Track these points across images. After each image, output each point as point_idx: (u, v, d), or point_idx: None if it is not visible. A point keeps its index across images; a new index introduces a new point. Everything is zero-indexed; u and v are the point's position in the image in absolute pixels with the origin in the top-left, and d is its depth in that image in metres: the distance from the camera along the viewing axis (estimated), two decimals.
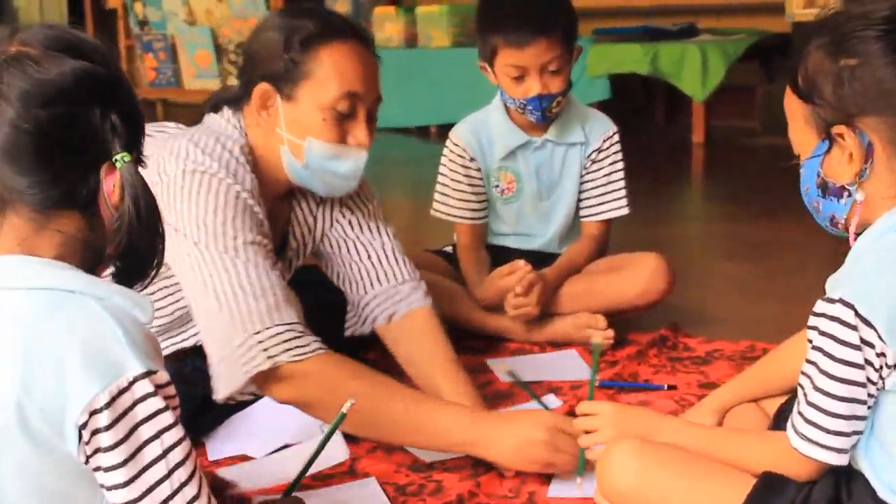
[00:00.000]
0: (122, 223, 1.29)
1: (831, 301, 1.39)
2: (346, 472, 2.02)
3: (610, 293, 2.69)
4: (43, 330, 1.23)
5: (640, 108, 6.84)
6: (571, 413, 2.19)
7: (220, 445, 2.13)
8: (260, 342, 1.89)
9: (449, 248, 2.97)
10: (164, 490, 1.25)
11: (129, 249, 1.31)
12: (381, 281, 2.30)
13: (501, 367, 2.05)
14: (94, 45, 1.31)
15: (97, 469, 1.24)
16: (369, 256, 2.30)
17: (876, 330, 1.35)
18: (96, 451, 1.22)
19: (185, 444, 1.27)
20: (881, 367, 1.37)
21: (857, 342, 1.36)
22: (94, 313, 1.25)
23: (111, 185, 1.29)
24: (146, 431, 1.24)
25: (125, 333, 1.24)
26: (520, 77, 2.65)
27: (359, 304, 2.31)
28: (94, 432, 1.21)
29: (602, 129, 2.83)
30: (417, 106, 6.67)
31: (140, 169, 1.32)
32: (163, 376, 1.26)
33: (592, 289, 2.71)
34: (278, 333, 1.90)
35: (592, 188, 2.83)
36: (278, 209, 2.22)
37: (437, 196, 2.88)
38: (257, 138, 2.11)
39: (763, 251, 3.68)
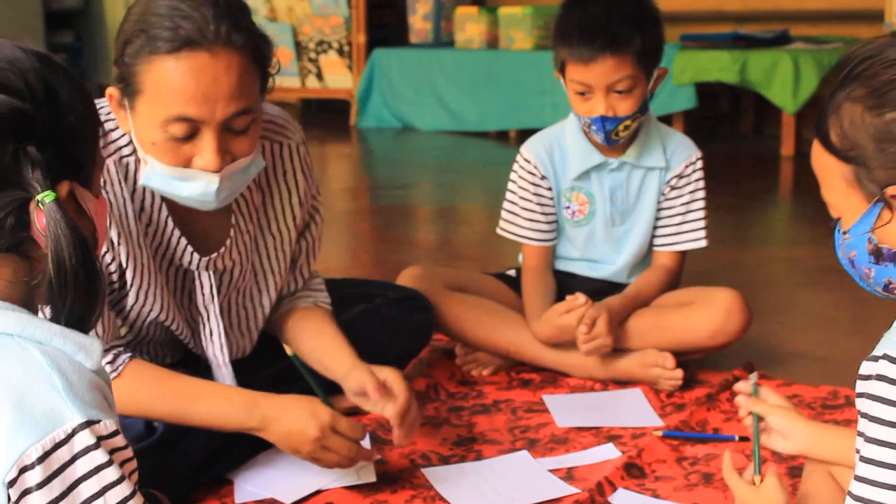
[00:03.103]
0: (42, 277, 1.18)
1: (875, 359, 1.24)
2: None
3: (680, 330, 2.50)
4: None
5: (725, 116, 6.61)
6: (631, 464, 2.04)
7: (247, 486, 2.00)
8: None
9: (512, 272, 2.80)
10: None
11: (53, 299, 1.19)
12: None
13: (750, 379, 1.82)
14: (23, 73, 1.19)
15: None
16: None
17: None
18: None
19: (134, 503, 1.15)
20: None
21: None
22: (30, 359, 1.14)
23: (40, 225, 1.18)
24: (87, 489, 1.12)
25: (63, 380, 1.14)
26: (584, 94, 2.47)
27: None
28: (25, 492, 1.10)
29: (685, 154, 2.64)
30: (496, 109, 6.56)
31: None
32: (107, 426, 1.14)
33: (661, 324, 2.51)
34: None
35: (670, 216, 2.64)
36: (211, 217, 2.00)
37: (504, 214, 2.71)
38: None
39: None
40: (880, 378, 1.22)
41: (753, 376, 1.68)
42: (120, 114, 1.84)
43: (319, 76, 7.38)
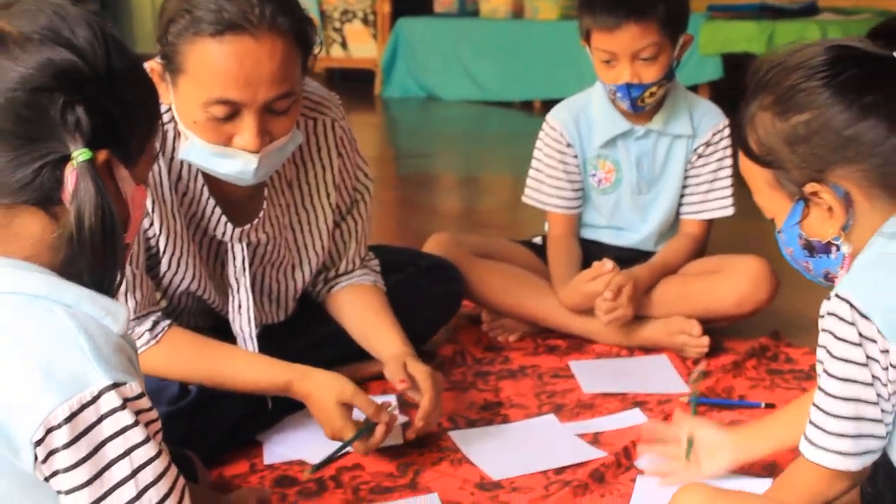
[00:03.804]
0: (62, 232, 1.19)
1: (828, 298, 1.34)
2: (408, 486, 1.89)
3: (706, 298, 2.50)
4: (3, 338, 1.15)
5: None
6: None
7: (276, 448, 2.02)
8: None
9: (538, 240, 2.81)
10: None
11: (69, 263, 1.20)
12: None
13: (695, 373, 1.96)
14: (89, 40, 1.21)
15: (59, 493, 1.14)
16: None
17: (874, 324, 1.29)
18: (55, 473, 1.13)
19: (159, 463, 1.17)
20: (888, 367, 1.29)
21: (856, 339, 1.30)
22: (58, 321, 1.16)
23: (71, 185, 1.18)
24: (113, 450, 1.14)
25: (91, 343, 1.15)
26: (609, 62, 2.47)
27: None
28: (52, 452, 1.12)
29: (712, 122, 2.63)
30: (521, 79, 6.54)
31: None
32: (133, 388, 1.16)
33: (687, 292, 2.52)
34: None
35: (696, 185, 2.63)
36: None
37: (529, 182, 2.72)
38: None
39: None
40: (830, 314, 1.32)
41: (700, 366, 1.81)
42: (162, 86, 1.84)
43: (344, 45, 7.38)
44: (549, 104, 2.78)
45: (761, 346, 2.49)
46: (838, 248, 1.38)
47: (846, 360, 1.31)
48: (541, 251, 2.73)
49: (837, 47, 1.37)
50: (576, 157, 2.66)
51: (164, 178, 1.94)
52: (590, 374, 2.39)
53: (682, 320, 2.49)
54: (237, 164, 1.83)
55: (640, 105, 2.51)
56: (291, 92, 1.82)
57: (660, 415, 2.13)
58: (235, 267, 2.04)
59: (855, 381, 1.31)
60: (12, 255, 1.20)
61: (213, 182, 1.96)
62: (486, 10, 6.86)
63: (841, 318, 1.30)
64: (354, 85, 7.46)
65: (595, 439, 2.06)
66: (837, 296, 1.31)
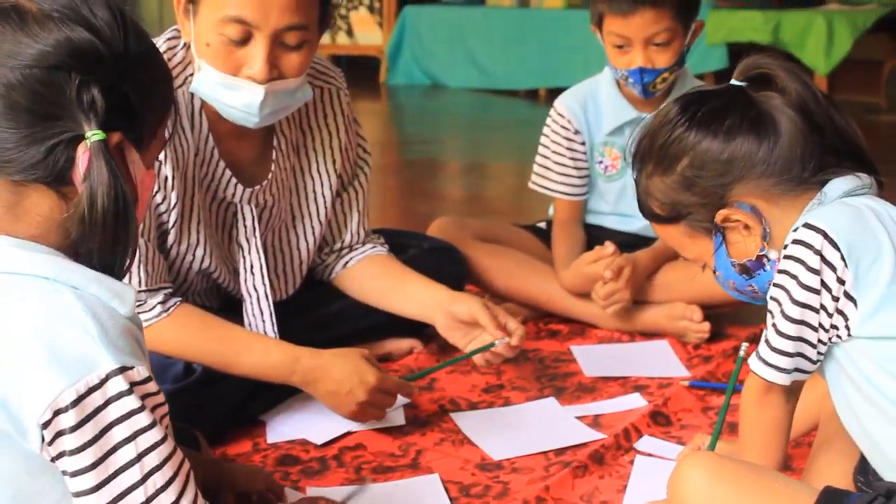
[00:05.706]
0: (74, 212, 1.19)
1: (795, 229, 1.40)
2: (409, 466, 1.91)
3: (707, 284, 2.44)
4: (10, 319, 1.15)
5: None
6: (657, 412, 2.06)
7: (280, 427, 2.04)
8: None
9: (542, 224, 2.82)
10: (138, 497, 1.15)
11: (79, 243, 1.20)
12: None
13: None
14: (108, 21, 1.22)
15: (65, 473, 1.15)
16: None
17: (840, 251, 1.35)
18: (61, 454, 1.14)
19: (165, 447, 1.18)
20: (838, 297, 1.36)
21: (817, 265, 1.36)
22: (66, 303, 1.16)
23: (83, 166, 1.19)
24: (119, 433, 1.15)
25: (98, 326, 1.15)
26: (622, 47, 2.48)
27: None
28: (58, 434, 1.13)
29: None
30: (527, 67, 6.54)
31: None
32: (140, 372, 1.17)
33: (689, 278, 2.52)
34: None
35: None
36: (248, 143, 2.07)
37: (536, 168, 2.73)
38: None
39: None
40: (799, 242, 1.38)
41: (744, 346, 1.87)
42: (185, 25, 1.90)
43: (350, 33, 7.39)
44: (554, 93, 2.79)
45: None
46: (768, 258, 1.47)
47: (806, 287, 1.37)
48: (545, 236, 2.74)
49: (682, 97, 1.54)
50: (583, 143, 2.67)
51: (187, 134, 1.97)
52: (591, 359, 2.40)
53: (682, 306, 2.50)
54: (243, 96, 1.87)
55: (652, 91, 2.52)
56: (304, 26, 1.86)
57: (660, 398, 2.15)
58: (246, 227, 2.08)
59: (807, 307, 1.38)
60: (20, 234, 1.20)
61: (222, 142, 2.00)
62: None
63: (809, 246, 1.37)
64: (360, 72, 7.46)
65: (595, 422, 2.08)
66: (807, 224, 1.38)
